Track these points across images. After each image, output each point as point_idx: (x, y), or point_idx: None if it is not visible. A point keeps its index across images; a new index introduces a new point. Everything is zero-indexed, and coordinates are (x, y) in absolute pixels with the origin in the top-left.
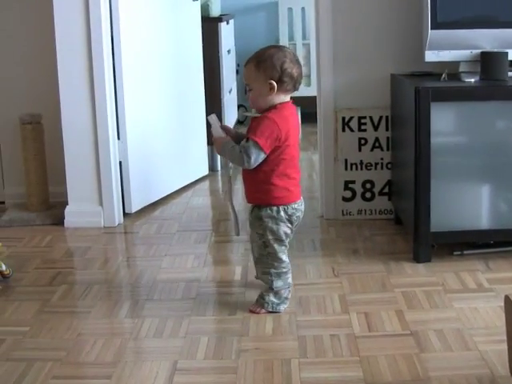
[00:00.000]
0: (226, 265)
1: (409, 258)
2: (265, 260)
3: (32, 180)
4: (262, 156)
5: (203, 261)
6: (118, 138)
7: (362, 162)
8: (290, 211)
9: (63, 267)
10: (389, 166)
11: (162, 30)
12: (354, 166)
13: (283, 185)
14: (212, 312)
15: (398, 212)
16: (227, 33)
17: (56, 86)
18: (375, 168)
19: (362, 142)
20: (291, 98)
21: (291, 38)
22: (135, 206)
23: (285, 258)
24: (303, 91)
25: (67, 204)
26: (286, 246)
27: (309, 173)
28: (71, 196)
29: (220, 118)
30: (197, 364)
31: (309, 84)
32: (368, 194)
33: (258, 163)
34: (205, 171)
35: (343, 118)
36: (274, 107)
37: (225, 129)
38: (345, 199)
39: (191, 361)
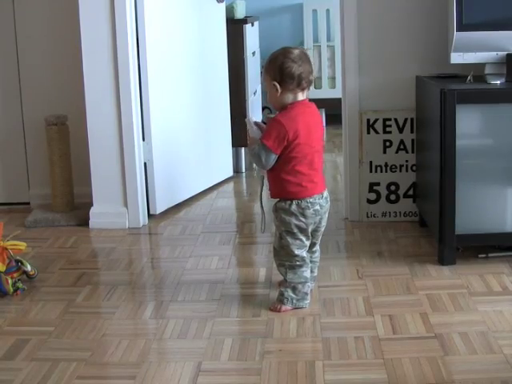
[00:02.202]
0: (251, 266)
1: (433, 260)
2: (280, 252)
3: (57, 181)
4: (273, 156)
5: (227, 262)
6: (143, 140)
7: (386, 164)
8: (303, 205)
9: (88, 268)
10: (414, 168)
11: (188, 32)
12: (378, 168)
13: (295, 180)
14: (236, 313)
15: (422, 214)
16: (252, 35)
17: (81, 88)
18: (400, 170)
19: (387, 144)
20: (313, 99)
21: (316, 39)
22: (160, 207)
23: (298, 252)
24: (328, 93)
25: (92, 205)
26: (300, 239)
27: (333, 175)
28: (96, 197)
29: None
30: (221, 365)
31: (333, 86)
32: (393, 196)
33: (271, 163)
34: (229, 173)
35: (368, 120)
36: (285, 108)
37: (259, 126)
38: (369, 201)
39: (215, 362)
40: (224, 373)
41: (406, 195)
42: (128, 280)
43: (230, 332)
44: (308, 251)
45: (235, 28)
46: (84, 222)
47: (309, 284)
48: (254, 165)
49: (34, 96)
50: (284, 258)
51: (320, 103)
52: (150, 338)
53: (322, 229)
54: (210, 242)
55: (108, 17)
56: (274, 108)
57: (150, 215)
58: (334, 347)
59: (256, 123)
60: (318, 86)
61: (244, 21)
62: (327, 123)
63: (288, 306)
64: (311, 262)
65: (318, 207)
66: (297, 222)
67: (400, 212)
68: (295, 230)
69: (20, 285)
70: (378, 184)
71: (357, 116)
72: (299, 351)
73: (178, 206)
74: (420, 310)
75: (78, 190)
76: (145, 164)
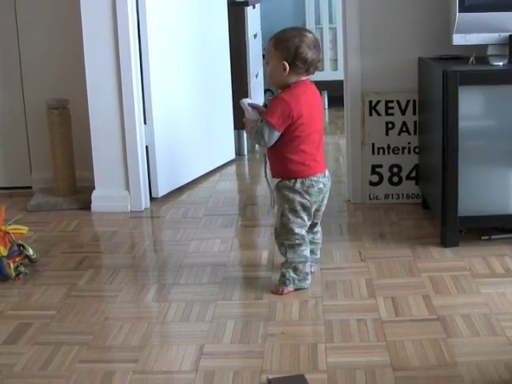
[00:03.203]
0: (253, 249)
1: (436, 242)
2: (281, 232)
3: (59, 165)
4: (277, 134)
5: (230, 245)
6: (145, 123)
7: (389, 146)
8: (307, 183)
9: (90, 251)
10: (416, 150)
11: (189, 15)
12: (381, 150)
13: (299, 159)
14: (238, 296)
15: (425, 196)
16: (253, 17)
17: (83, 71)
18: (402, 152)
19: (389, 126)
20: (315, 81)
21: (318, 21)
22: (162, 190)
23: (298, 230)
24: (330, 75)
25: (94, 188)
26: (301, 218)
27: (335, 157)
28: (98, 181)
29: None
30: (223, 348)
31: (335, 68)
32: (395, 179)
33: (273, 141)
34: (231, 155)
35: (370, 102)
36: (288, 86)
37: (255, 107)
38: (372, 183)
39: (217, 345)
40: (226, 355)
41: (408, 177)
42: (130, 263)
43: (232, 315)
44: (309, 231)
45: (236, 10)
46: (86, 205)
47: (309, 263)
48: (257, 145)
49: (35, 80)
50: (284, 237)
51: (322, 85)
52: (153, 321)
53: (323, 208)
54: (212, 224)
55: (109, 0)
56: (274, 85)
57: (152, 198)
58: (337, 330)
59: (251, 105)
60: (320, 68)
61: (245, 3)
62: (329, 105)
63: (290, 288)
64: (313, 243)
65: (321, 185)
66: (301, 200)
67: (402, 194)
68: (298, 208)
69: (22, 269)
70: (380, 166)
71: (359, 98)
72: (301, 334)
73: (180, 189)
74: (422, 293)
75: (79, 174)
76: (146, 147)
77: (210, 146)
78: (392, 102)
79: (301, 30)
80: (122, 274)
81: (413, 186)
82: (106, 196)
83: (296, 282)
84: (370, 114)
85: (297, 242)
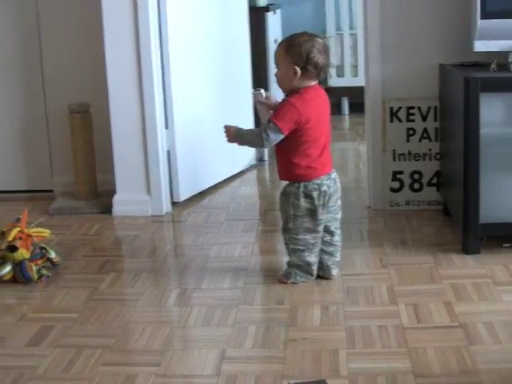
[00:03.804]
0: (274, 254)
1: (457, 249)
2: (285, 234)
3: (80, 169)
4: (281, 137)
5: (251, 250)
6: (166, 128)
7: (410, 153)
8: (310, 187)
9: (112, 255)
10: (437, 156)
11: (210, 20)
12: (402, 157)
13: (305, 163)
14: (260, 301)
15: (446, 203)
16: (274, 22)
17: (104, 76)
18: (423, 159)
19: (411, 132)
20: (335, 87)
21: (338, 27)
22: (183, 195)
23: (302, 236)
24: (350, 81)
25: (115, 192)
26: (307, 223)
27: (356, 163)
28: (119, 185)
29: None
30: (245, 353)
31: (356, 74)
32: (416, 185)
33: (275, 142)
34: (252, 161)
35: (391, 109)
36: (297, 91)
37: (267, 98)
38: (393, 190)
39: (239, 349)
40: (248, 360)
41: (429, 184)
42: (152, 267)
43: (253, 319)
44: (325, 235)
45: (257, 16)
46: (107, 209)
47: (314, 268)
48: (252, 91)
49: (57, 84)
50: (287, 239)
51: (342, 91)
52: (175, 325)
53: (333, 209)
54: (234, 229)
55: (130, 5)
56: (283, 90)
57: (173, 203)
58: (358, 336)
59: (264, 100)
60: (341, 74)
61: (266, 8)
62: (350, 111)
63: (294, 280)
64: (331, 245)
65: (325, 188)
66: (305, 205)
67: (423, 201)
68: (303, 213)
69: (44, 272)
70: (401, 172)
71: (380, 104)
72: (323, 340)
73: (202, 194)
74: (444, 299)
75: (101, 178)
76: (168, 152)
77: (231, 151)
78: (413, 108)
79: (311, 35)
80: (144, 278)
81: (434, 193)
82: (128, 200)
83: (298, 277)
84: (391, 121)
85: (300, 247)
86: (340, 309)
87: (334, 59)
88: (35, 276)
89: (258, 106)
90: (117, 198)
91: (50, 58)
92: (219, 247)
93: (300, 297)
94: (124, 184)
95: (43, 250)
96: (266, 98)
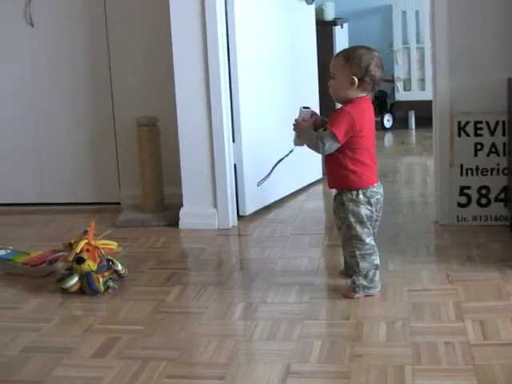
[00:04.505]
0: (339, 268)
1: None
2: (350, 243)
3: (147, 181)
4: (336, 145)
5: (316, 264)
6: (233, 141)
7: (477, 168)
8: (368, 193)
9: (178, 268)
10: (505, 171)
11: (278, 34)
12: (469, 172)
13: (359, 170)
14: (325, 316)
15: None
16: (341, 36)
17: (172, 89)
18: (491, 174)
19: (478, 147)
20: (402, 101)
21: (405, 41)
22: (249, 208)
23: (368, 240)
24: (417, 95)
25: (182, 206)
26: (368, 228)
27: (423, 177)
28: (186, 198)
29: None
30: (310, 368)
31: (423, 88)
32: (484, 200)
33: (331, 151)
34: (318, 175)
35: (459, 123)
36: (350, 101)
37: (314, 115)
38: (460, 205)
39: (304, 364)
40: (313, 375)
41: (497, 199)
42: (217, 281)
43: (318, 334)
44: None
45: (325, 30)
46: (174, 222)
47: (379, 271)
48: (294, 137)
49: (125, 97)
50: (354, 248)
51: (409, 105)
52: (239, 338)
53: (380, 219)
54: (300, 243)
55: (198, 19)
56: (336, 99)
57: (239, 216)
58: (424, 352)
59: (309, 118)
60: (408, 88)
61: (333, 22)
62: (416, 125)
63: (360, 294)
64: None
65: (379, 196)
66: (366, 211)
67: (491, 216)
68: (365, 219)
69: (111, 283)
70: (468, 187)
71: (448, 118)
72: (388, 355)
73: (268, 208)
74: (511, 316)
75: (167, 191)
76: (235, 165)
77: (298, 165)
78: (481, 122)
79: (369, 49)
80: (209, 291)
81: (501, 208)
82: (194, 213)
83: (366, 289)
84: (459, 135)
85: (368, 251)
86: (406, 324)
87: (400, 73)
88: (102, 288)
89: (302, 123)
90: (183, 211)
91: (119, 72)
92: (285, 261)
93: (365, 312)
94: (191, 197)
95: (110, 262)
96: (313, 114)
